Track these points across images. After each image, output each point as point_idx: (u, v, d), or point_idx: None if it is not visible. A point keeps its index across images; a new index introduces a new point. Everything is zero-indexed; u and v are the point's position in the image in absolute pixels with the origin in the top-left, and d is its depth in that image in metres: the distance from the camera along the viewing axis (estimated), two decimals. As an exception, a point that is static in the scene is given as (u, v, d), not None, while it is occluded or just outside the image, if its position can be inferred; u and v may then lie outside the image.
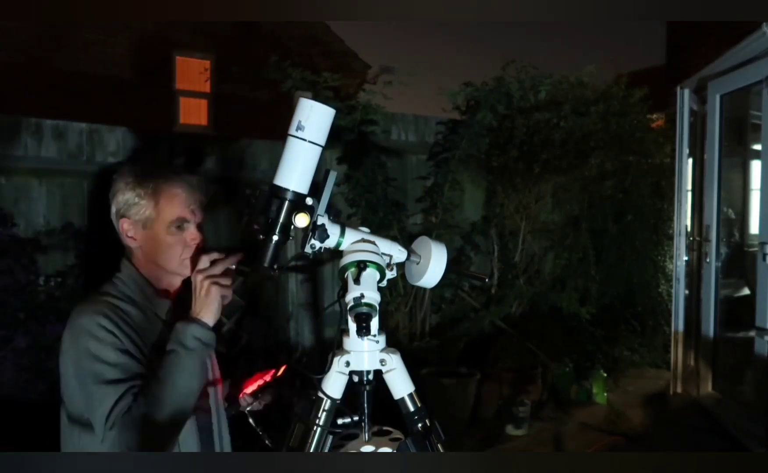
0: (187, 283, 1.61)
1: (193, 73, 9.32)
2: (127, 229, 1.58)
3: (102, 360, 1.45)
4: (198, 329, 1.49)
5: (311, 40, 10.01)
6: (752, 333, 3.69)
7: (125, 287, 1.58)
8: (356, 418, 1.41)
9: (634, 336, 5.35)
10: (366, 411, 1.42)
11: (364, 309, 1.31)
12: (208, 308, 1.51)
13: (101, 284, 1.62)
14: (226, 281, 1.54)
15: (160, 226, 1.57)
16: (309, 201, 1.37)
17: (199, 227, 1.63)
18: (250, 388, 1.74)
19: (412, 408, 1.45)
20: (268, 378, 1.74)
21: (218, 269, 1.53)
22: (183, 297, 1.63)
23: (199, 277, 1.52)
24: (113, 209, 1.59)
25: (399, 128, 4.67)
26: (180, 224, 1.58)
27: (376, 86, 4.34)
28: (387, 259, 1.47)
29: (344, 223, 1.46)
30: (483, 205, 5.06)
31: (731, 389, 4.28)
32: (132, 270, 1.61)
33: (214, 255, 1.55)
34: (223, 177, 3.83)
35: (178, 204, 1.58)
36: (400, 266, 1.54)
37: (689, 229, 4.58)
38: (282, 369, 1.71)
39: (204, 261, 1.54)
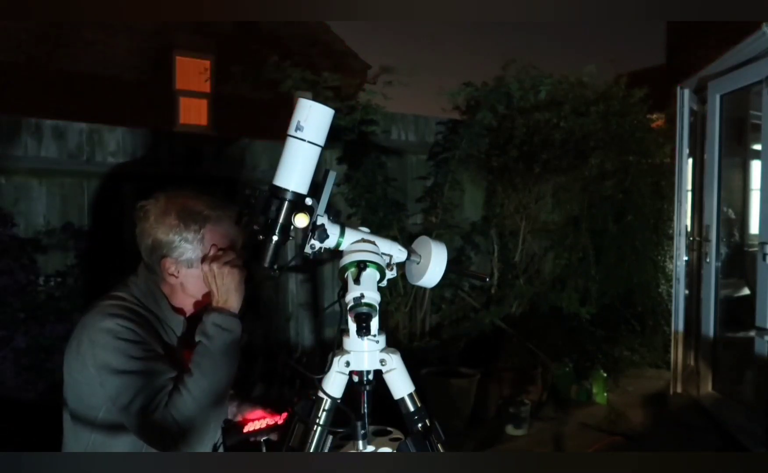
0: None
1: (193, 73, 9.32)
2: (170, 268, 1.55)
3: (133, 357, 1.44)
4: (217, 316, 1.48)
5: (311, 40, 10.01)
6: (752, 333, 3.69)
7: (142, 295, 1.56)
8: (359, 424, 1.41)
9: (634, 336, 5.34)
10: (366, 411, 1.42)
11: (364, 309, 1.31)
12: (230, 293, 1.50)
13: (107, 285, 1.60)
14: (239, 262, 1.52)
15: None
16: (308, 201, 1.37)
17: (239, 254, 1.60)
18: (251, 427, 1.71)
19: (412, 408, 1.45)
20: (271, 422, 1.70)
21: (228, 255, 1.52)
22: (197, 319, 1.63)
23: (213, 265, 1.50)
24: (147, 243, 1.54)
25: (399, 128, 4.67)
26: None
27: (376, 86, 4.34)
28: (387, 259, 1.47)
29: (344, 223, 1.46)
30: (483, 205, 5.06)
31: (731, 389, 4.28)
32: (150, 282, 1.59)
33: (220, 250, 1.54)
34: (223, 177, 3.83)
35: (224, 243, 1.57)
36: (400, 266, 1.54)
37: (689, 229, 4.58)
38: (284, 416, 1.68)
39: (211, 251, 1.54)
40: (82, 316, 1.52)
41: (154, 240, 1.53)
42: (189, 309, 1.63)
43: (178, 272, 1.56)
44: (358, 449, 1.40)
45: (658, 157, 5.72)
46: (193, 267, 1.55)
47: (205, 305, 1.57)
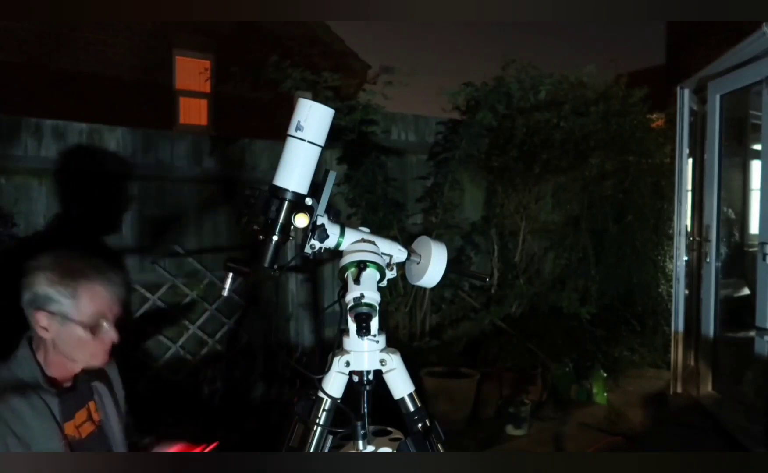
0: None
1: (193, 73, 9.32)
2: (42, 321, 1.54)
3: None
4: None
5: (311, 40, 10.01)
6: (752, 333, 3.69)
7: (20, 370, 1.56)
8: (359, 424, 1.40)
9: (634, 336, 5.34)
10: (366, 411, 1.42)
11: (364, 309, 1.31)
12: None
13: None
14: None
15: (78, 323, 1.55)
16: (308, 201, 1.37)
17: (116, 322, 1.60)
18: None
19: (412, 408, 1.45)
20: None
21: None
22: (71, 392, 1.62)
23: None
24: (26, 296, 1.54)
25: (399, 128, 4.67)
26: (98, 322, 1.56)
27: (376, 86, 4.34)
28: (387, 259, 1.47)
29: (344, 223, 1.46)
30: (483, 205, 5.06)
31: (731, 389, 4.28)
32: (29, 354, 1.58)
33: None
34: (223, 177, 3.83)
35: (97, 303, 1.56)
36: (400, 266, 1.54)
37: (689, 229, 4.58)
38: (213, 446, 1.64)
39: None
40: None
41: (33, 293, 1.54)
42: (65, 375, 1.61)
43: (51, 327, 1.54)
44: (358, 449, 1.40)
45: (658, 157, 5.72)
46: (64, 324, 1.54)
47: (77, 373, 1.59)
